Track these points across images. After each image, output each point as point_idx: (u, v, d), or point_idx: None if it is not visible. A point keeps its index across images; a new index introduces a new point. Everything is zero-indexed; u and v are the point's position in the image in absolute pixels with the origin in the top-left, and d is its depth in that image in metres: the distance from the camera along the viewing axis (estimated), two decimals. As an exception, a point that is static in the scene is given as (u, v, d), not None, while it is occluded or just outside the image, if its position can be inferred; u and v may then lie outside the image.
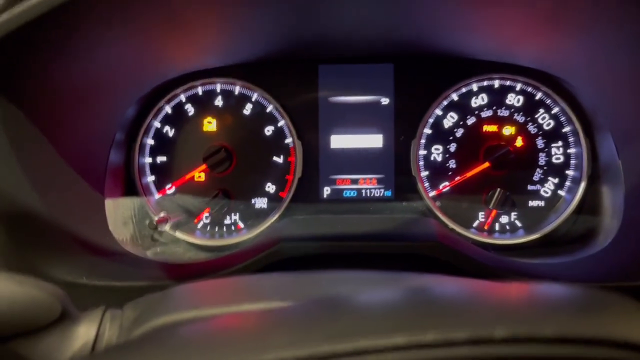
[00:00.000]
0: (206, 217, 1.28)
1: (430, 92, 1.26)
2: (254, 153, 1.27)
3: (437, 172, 1.27)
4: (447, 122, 1.26)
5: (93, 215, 1.07)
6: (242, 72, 1.26)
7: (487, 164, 1.23)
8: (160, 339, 0.48)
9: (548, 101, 1.24)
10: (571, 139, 1.23)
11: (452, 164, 1.26)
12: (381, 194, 1.28)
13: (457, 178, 1.25)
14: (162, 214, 1.20)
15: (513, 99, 1.25)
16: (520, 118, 1.25)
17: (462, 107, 1.26)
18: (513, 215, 1.26)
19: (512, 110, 1.25)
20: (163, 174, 1.27)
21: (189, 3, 0.87)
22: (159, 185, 1.27)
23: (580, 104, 1.21)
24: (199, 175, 1.26)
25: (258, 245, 1.03)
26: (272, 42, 1.15)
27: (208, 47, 1.14)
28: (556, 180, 1.25)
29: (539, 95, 1.24)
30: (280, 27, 1.06)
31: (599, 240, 1.13)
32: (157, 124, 1.26)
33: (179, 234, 1.25)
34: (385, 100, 1.27)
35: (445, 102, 1.26)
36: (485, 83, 1.25)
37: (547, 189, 1.25)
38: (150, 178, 1.26)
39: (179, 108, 1.27)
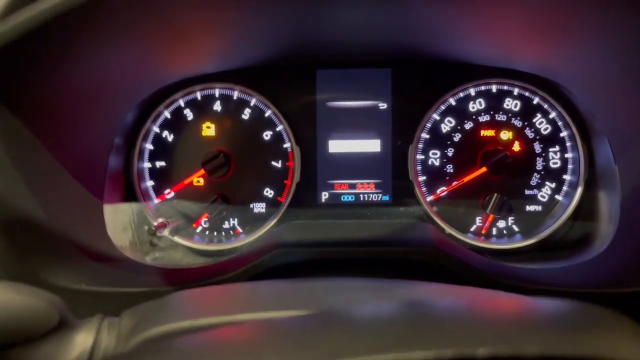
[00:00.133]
0: (205, 222, 1.28)
1: (427, 97, 1.26)
2: (252, 158, 1.28)
3: (435, 176, 1.27)
4: (445, 127, 1.27)
5: (92, 221, 1.07)
6: (240, 77, 1.26)
7: (484, 169, 1.24)
8: (156, 351, 0.48)
9: (545, 106, 1.24)
10: (568, 144, 1.24)
11: (449, 168, 1.27)
12: (379, 199, 1.29)
13: (455, 183, 1.26)
14: (160, 219, 1.21)
15: (510, 104, 1.25)
16: (517, 123, 1.25)
17: (460, 112, 1.26)
18: (510, 220, 1.27)
19: (510, 115, 1.25)
20: (162, 179, 1.28)
21: (187, 10, 0.87)
22: (158, 190, 1.28)
23: (577, 109, 1.21)
24: (198, 180, 1.27)
25: (256, 250, 1.04)
26: (271, 48, 1.16)
27: (207, 53, 1.15)
28: (553, 185, 1.25)
29: (536, 100, 1.25)
30: (279, 33, 1.06)
31: (595, 245, 1.14)
32: (156, 129, 1.27)
33: (177, 239, 1.26)
34: (383, 105, 1.28)
35: (442, 107, 1.26)
36: (482, 88, 1.26)
37: (544, 193, 1.26)
38: (149, 183, 1.27)
39: (177, 113, 1.27)
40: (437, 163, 1.27)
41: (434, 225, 1.22)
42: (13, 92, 0.84)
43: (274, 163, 1.28)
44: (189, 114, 1.28)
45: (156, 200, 1.27)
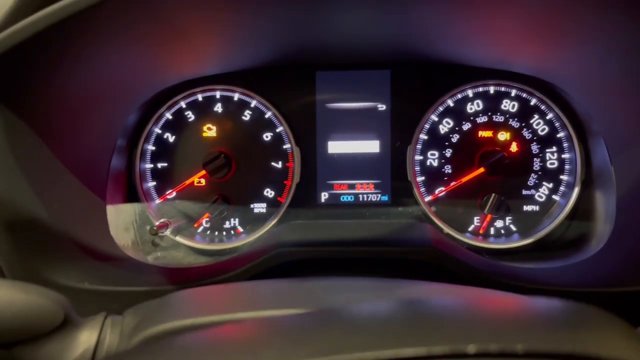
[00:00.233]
0: (206, 222, 1.30)
1: (426, 98, 1.28)
2: (252, 159, 1.29)
3: (433, 177, 1.29)
4: (443, 128, 1.28)
5: (95, 221, 1.09)
6: (241, 79, 1.28)
7: (482, 169, 1.25)
8: (158, 349, 0.49)
9: (542, 107, 1.26)
10: (565, 145, 1.25)
11: (447, 169, 1.28)
12: (378, 199, 1.30)
13: (453, 183, 1.27)
14: (162, 219, 1.22)
15: (508, 105, 1.27)
16: (515, 124, 1.26)
17: (458, 113, 1.28)
18: (508, 219, 1.28)
19: (507, 116, 1.27)
20: (164, 180, 1.29)
21: (188, 12, 0.89)
22: (160, 190, 1.29)
23: (574, 111, 1.22)
24: (199, 180, 1.29)
25: (257, 249, 1.05)
26: (271, 50, 1.17)
27: (207, 55, 1.16)
28: (550, 185, 1.27)
29: (533, 102, 1.26)
30: (279, 35, 1.08)
31: (591, 245, 1.15)
32: (157, 130, 1.28)
33: (179, 239, 1.27)
34: (382, 107, 1.29)
35: (441, 108, 1.28)
36: (480, 89, 1.27)
37: (542, 193, 1.27)
38: (151, 183, 1.29)
39: (179, 114, 1.29)
40: (435, 164, 1.29)
41: (432, 225, 1.23)
42: (17, 94, 0.85)
43: (274, 164, 1.30)
44: (190, 115, 1.29)
45: (158, 201, 1.28)
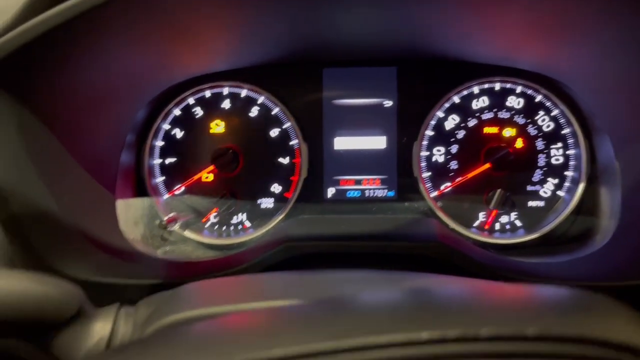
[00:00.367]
0: (214, 217, 1.31)
1: (432, 95, 1.29)
2: (260, 154, 1.31)
3: (439, 173, 1.30)
4: (449, 124, 1.29)
5: (105, 215, 1.10)
6: (248, 75, 1.29)
7: (487, 165, 1.26)
8: (172, 337, 0.50)
9: (548, 104, 1.26)
10: (570, 141, 1.26)
11: (453, 165, 1.29)
12: (384, 195, 1.32)
13: (459, 179, 1.28)
14: (171, 214, 1.23)
15: (513, 102, 1.27)
16: (520, 120, 1.27)
17: (464, 109, 1.29)
18: (513, 215, 1.29)
19: (513, 112, 1.27)
20: (172, 175, 1.30)
21: (192, 10, 0.90)
22: (168, 185, 1.30)
23: (579, 107, 1.23)
24: (207, 176, 1.30)
25: (264, 244, 1.06)
26: (278, 47, 1.18)
27: (216, 52, 1.17)
28: (555, 181, 1.27)
29: (538, 98, 1.27)
30: (285, 32, 1.09)
31: (596, 240, 1.16)
32: (166, 126, 1.30)
33: (187, 233, 1.29)
34: (388, 103, 1.30)
35: (447, 105, 1.29)
36: (486, 86, 1.28)
37: (547, 189, 1.28)
38: (160, 179, 1.30)
39: (187, 111, 1.30)
40: (441, 159, 1.30)
41: (438, 221, 1.24)
42: (30, 90, 0.86)
43: (281, 159, 1.31)
44: (198, 111, 1.30)
45: (166, 196, 1.30)
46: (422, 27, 1.08)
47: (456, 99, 1.29)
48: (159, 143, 1.30)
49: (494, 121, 1.28)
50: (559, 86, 1.23)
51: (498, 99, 1.28)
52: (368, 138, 1.31)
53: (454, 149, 1.29)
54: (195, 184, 1.30)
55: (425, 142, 1.29)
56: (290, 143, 1.30)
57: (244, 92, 1.30)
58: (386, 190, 1.32)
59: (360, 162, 1.31)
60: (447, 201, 1.30)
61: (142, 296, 0.82)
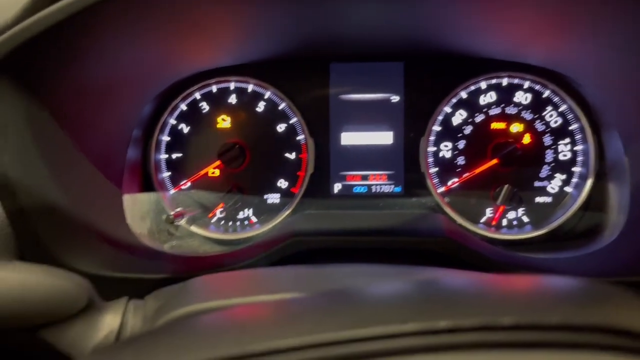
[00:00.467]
0: (220, 212, 1.31)
1: (439, 90, 1.28)
2: (266, 150, 1.30)
3: (446, 168, 1.29)
4: (456, 120, 1.28)
5: (112, 210, 1.10)
6: (255, 70, 1.28)
7: (495, 161, 1.25)
8: (185, 327, 0.50)
9: (555, 99, 1.26)
10: (578, 137, 1.25)
11: (460, 160, 1.29)
12: (391, 190, 1.31)
13: (466, 174, 1.28)
14: (178, 209, 1.23)
15: (521, 97, 1.27)
16: (528, 115, 1.27)
17: (471, 105, 1.28)
18: (520, 211, 1.29)
19: (520, 107, 1.27)
20: (178, 170, 1.30)
21: (204, 4, 0.89)
22: (175, 180, 1.30)
23: (587, 102, 1.23)
24: (213, 171, 1.30)
25: (271, 239, 1.06)
26: (285, 41, 1.18)
27: (223, 46, 1.17)
28: (563, 177, 1.27)
29: (546, 93, 1.26)
30: (293, 27, 1.08)
31: (605, 236, 1.15)
32: (172, 121, 1.29)
33: (194, 228, 1.28)
34: (395, 98, 1.30)
35: (454, 100, 1.28)
36: (493, 81, 1.28)
37: (554, 185, 1.27)
38: (166, 174, 1.30)
39: (194, 106, 1.30)
40: (448, 155, 1.29)
41: (445, 216, 1.24)
42: (37, 85, 0.86)
43: (287, 155, 1.31)
44: (204, 106, 1.30)
45: (173, 191, 1.30)
46: (431, 22, 1.07)
47: (464, 95, 1.28)
48: (166, 138, 1.30)
49: (502, 117, 1.27)
50: (567, 81, 1.22)
51: (505, 95, 1.27)
52: (375, 133, 1.30)
53: (461, 144, 1.29)
54: (202, 179, 1.29)
55: (432, 138, 1.29)
56: (297, 138, 1.30)
57: (250, 87, 1.30)
58: (393, 186, 1.31)
59: (367, 157, 1.31)
60: (454, 197, 1.29)
61: (150, 290, 0.82)
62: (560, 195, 1.27)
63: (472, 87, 1.28)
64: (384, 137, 1.30)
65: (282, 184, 1.31)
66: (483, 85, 1.28)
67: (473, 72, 1.27)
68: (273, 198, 1.31)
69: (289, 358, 0.36)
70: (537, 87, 1.26)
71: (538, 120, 1.26)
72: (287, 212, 1.29)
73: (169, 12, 0.89)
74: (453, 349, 0.34)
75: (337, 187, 1.32)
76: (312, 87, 1.30)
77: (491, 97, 1.28)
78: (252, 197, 1.31)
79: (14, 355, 0.71)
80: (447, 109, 1.28)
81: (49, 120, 0.90)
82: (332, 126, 1.30)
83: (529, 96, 1.27)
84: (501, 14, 1.00)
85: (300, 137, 1.30)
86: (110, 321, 0.70)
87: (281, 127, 1.30)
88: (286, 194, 1.31)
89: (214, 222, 1.31)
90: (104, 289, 0.75)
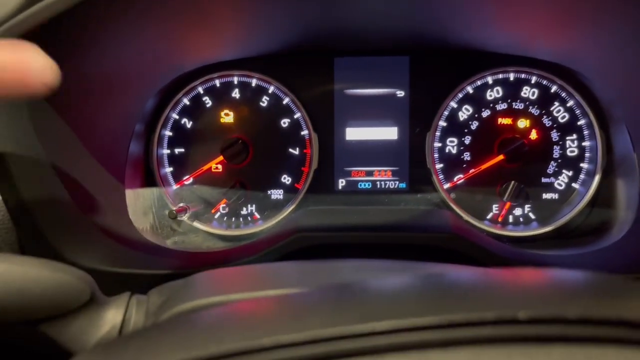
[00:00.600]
0: (223, 208, 1.30)
1: (445, 85, 1.27)
2: (270, 145, 1.29)
3: (452, 164, 1.28)
4: (462, 115, 1.27)
5: (114, 205, 1.09)
6: (259, 64, 1.27)
7: (501, 157, 1.24)
8: (185, 323, 0.49)
9: (563, 94, 1.24)
10: (586, 132, 1.24)
11: (466, 156, 1.27)
12: (396, 186, 1.30)
13: (472, 170, 1.27)
14: (180, 204, 1.22)
15: (528, 92, 1.25)
16: (535, 111, 1.25)
17: (477, 100, 1.27)
18: (527, 207, 1.27)
19: (527, 103, 1.25)
20: (181, 165, 1.29)
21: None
22: (177, 176, 1.29)
23: (595, 97, 1.21)
24: (216, 166, 1.29)
25: (275, 235, 1.05)
26: (289, 35, 1.16)
27: (226, 40, 1.16)
28: (570, 173, 1.25)
29: (554, 88, 1.25)
30: (297, 20, 1.07)
31: (612, 232, 1.14)
32: (175, 115, 1.28)
33: (197, 224, 1.27)
34: (400, 93, 1.29)
35: (460, 95, 1.27)
36: (500, 76, 1.26)
37: (561, 181, 1.26)
38: (169, 169, 1.29)
39: (196, 100, 1.29)
40: (454, 151, 1.28)
41: (451, 212, 1.23)
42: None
43: (291, 150, 1.29)
44: (207, 101, 1.29)
45: (175, 186, 1.29)
46: (437, 15, 1.06)
47: (470, 90, 1.27)
48: (168, 133, 1.28)
49: (508, 112, 1.26)
50: (575, 76, 1.21)
51: (512, 90, 1.26)
52: (380, 129, 1.29)
53: (467, 140, 1.27)
54: (205, 174, 1.28)
55: (438, 133, 1.28)
56: (301, 133, 1.29)
57: (254, 82, 1.28)
58: (397, 182, 1.30)
59: (372, 153, 1.30)
60: (460, 193, 1.28)
61: (153, 286, 0.81)
62: (567, 192, 1.26)
63: (479, 82, 1.26)
64: (389, 133, 1.29)
65: (286, 179, 1.30)
66: (489, 80, 1.26)
67: (479, 66, 1.26)
68: (277, 194, 1.30)
69: (298, 352, 0.35)
70: (545, 82, 1.25)
71: (545, 116, 1.25)
72: (291, 208, 1.28)
73: (171, 5, 0.88)
74: (470, 343, 0.32)
75: (341, 183, 1.31)
76: (317, 82, 1.29)
77: (498, 92, 1.26)
78: (256, 193, 1.30)
79: (16, 350, 0.70)
80: (453, 104, 1.27)
81: (51, 115, 0.89)
82: (336, 121, 1.29)
83: (536, 91, 1.25)
84: (508, 8, 0.98)
85: (304, 132, 1.29)
86: (112, 316, 0.69)
87: (285, 122, 1.29)
88: (290, 190, 1.30)
89: (217, 217, 1.30)
90: (107, 284, 0.74)
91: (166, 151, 1.29)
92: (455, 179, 1.28)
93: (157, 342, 0.43)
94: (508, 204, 1.26)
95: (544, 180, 1.26)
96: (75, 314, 0.67)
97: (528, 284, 0.41)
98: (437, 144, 1.28)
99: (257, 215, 1.30)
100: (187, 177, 1.28)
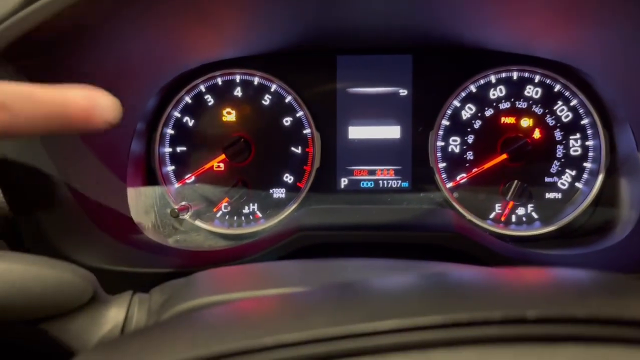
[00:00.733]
0: (225, 207, 1.29)
1: (448, 84, 1.26)
2: (272, 143, 1.29)
3: (455, 163, 1.27)
4: (465, 114, 1.27)
5: (116, 203, 1.09)
6: (261, 63, 1.27)
7: (504, 156, 1.23)
8: (188, 321, 0.49)
9: (566, 93, 1.24)
10: (589, 132, 1.23)
11: (469, 155, 1.27)
12: (398, 185, 1.29)
13: (475, 169, 1.26)
14: (182, 203, 1.22)
15: (531, 91, 1.25)
16: (538, 110, 1.25)
17: (480, 99, 1.26)
18: (530, 207, 1.27)
19: (530, 102, 1.25)
20: (183, 164, 1.29)
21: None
22: (179, 174, 1.29)
23: (599, 96, 1.20)
24: (218, 165, 1.28)
25: (277, 234, 1.05)
26: (292, 33, 1.16)
27: (228, 38, 1.15)
28: (573, 173, 1.25)
29: (557, 87, 1.24)
30: (300, 18, 1.07)
31: (616, 232, 1.13)
32: (177, 114, 1.28)
33: (198, 223, 1.27)
34: (403, 92, 1.28)
35: (463, 94, 1.26)
36: (503, 75, 1.26)
37: (565, 181, 1.25)
38: (170, 167, 1.28)
39: (198, 98, 1.28)
40: (457, 150, 1.27)
41: (454, 211, 1.22)
42: (41, 75, 0.85)
43: (293, 149, 1.29)
44: (209, 99, 1.28)
45: (177, 185, 1.28)
46: (440, 14, 1.05)
47: (473, 88, 1.26)
48: (170, 131, 1.28)
49: (511, 111, 1.25)
50: (579, 75, 1.20)
51: (515, 89, 1.25)
52: (382, 127, 1.29)
53: (470, 139, 1.27)
54: (206, 173, 1.28)
55: (441, 132, 1.27)
56: (303, 132, 1.28)
57: (256, 80, 1.28)
58: (400, 181, 1.30)
59: (374, 152, 1.29)
60: (462, 192, 1.28)
61: (155, 284, 0.81)
62: (570, 191, 1.25)
63: (482, 81, 1.26)
64: (392, 132, 1.28)
65: (288, 178, 1.29)
66: (493, 79, 1.26)
67: (482, 65, 1.25)
68: (279, 192, 1.30)
69: (300, 352, 0.34)
70: (548, 81, 1.24)
71: (548, 115, 1.25)
72: (293, 207, 1.28)
73: (172, 3, 0.88)
74: (476, 343, 0.32)
75: (343, 182, 1.30)
76: (319, 80, 1.28)
77: (501, 91, 1.26)
78: (258, 192, 1.29)
79: (17, 349, 0.70)
80: (456, 103, 1.26)
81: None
82: (338, 120, 1.29)
83: (540, 90, 1.25)
84: (508, 5, 0.98)
85: (307, 131, 1.28)
86: (114, 315, 0.69)
87: (287, 121, 1.28)
88: (292, 189, 1.29)
89: (219, 216, 1.30)
90: (108, 282, 0.74)
91: (168, 150, 1.28)
92: (458, 178, 1.27)
93: (159, 341, 0.43)
94: (511, 204, 1.26)
95: (547, 179, 1.25)
96: (77, 313, 0.67)
97: (533, 283, 0.40)
98: (440, 143, 1.27)
99: (259, 214, 1.30)
100: (189, 175, 1.28)
